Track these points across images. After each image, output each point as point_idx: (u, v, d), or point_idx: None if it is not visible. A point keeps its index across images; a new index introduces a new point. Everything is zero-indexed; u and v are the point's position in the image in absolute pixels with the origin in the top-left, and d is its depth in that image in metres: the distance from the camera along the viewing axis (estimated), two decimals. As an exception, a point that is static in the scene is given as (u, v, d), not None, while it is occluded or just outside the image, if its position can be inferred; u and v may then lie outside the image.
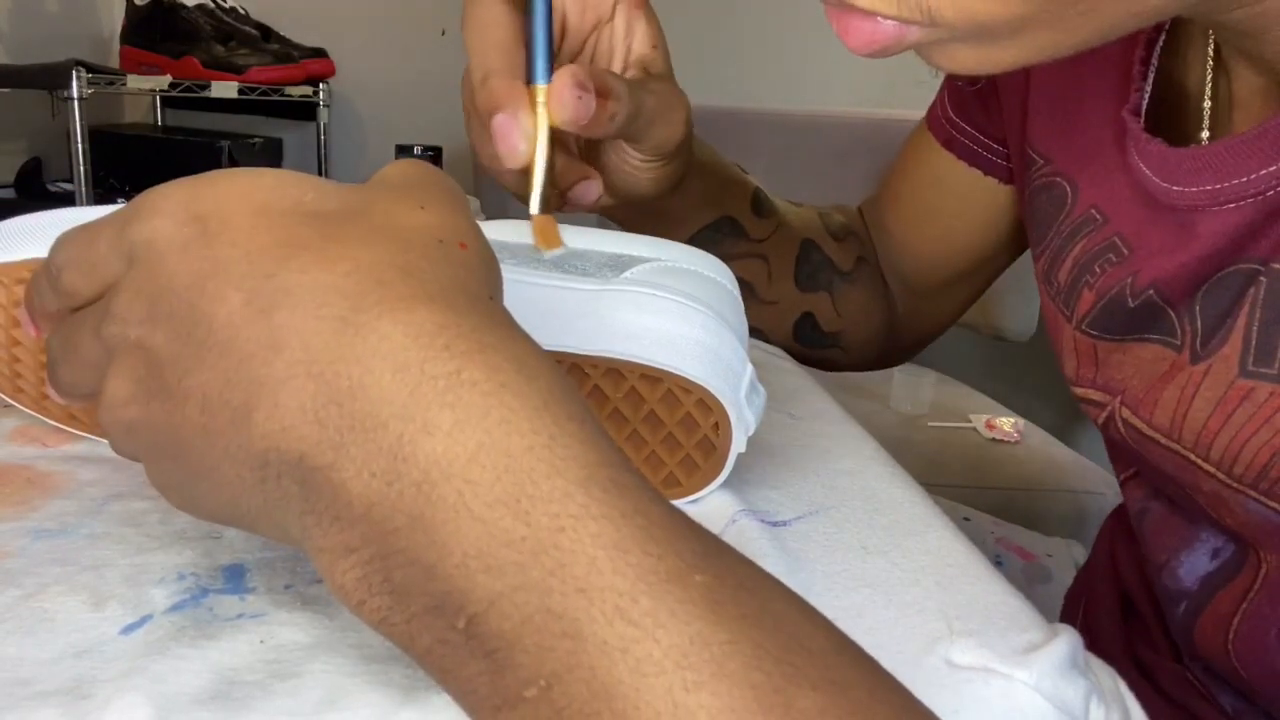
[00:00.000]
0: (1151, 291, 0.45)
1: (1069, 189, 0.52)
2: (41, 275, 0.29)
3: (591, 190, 0.47)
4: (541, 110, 0.41)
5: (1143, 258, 0.46)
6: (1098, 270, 0.48)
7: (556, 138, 0.44)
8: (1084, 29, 0.33)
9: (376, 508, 0.22)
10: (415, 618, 0.22)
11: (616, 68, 0.48)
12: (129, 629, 0.29)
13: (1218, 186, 0.41)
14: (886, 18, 0.32)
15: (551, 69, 0.42)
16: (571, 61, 0.45)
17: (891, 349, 0.73)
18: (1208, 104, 0.45)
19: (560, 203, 0.48)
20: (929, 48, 0.34)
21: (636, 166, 0.49)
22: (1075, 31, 0.33)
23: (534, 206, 0.41)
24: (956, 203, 0.64)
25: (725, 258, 0.59)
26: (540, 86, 0.42)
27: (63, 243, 0.28)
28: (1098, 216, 0.49)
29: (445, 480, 0.22)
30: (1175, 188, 0.43)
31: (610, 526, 0.22)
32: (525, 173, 0.42)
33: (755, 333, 0.65)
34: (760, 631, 0.21)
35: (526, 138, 0.41)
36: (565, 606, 0.21)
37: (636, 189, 0.51)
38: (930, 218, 0.66)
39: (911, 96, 2.05)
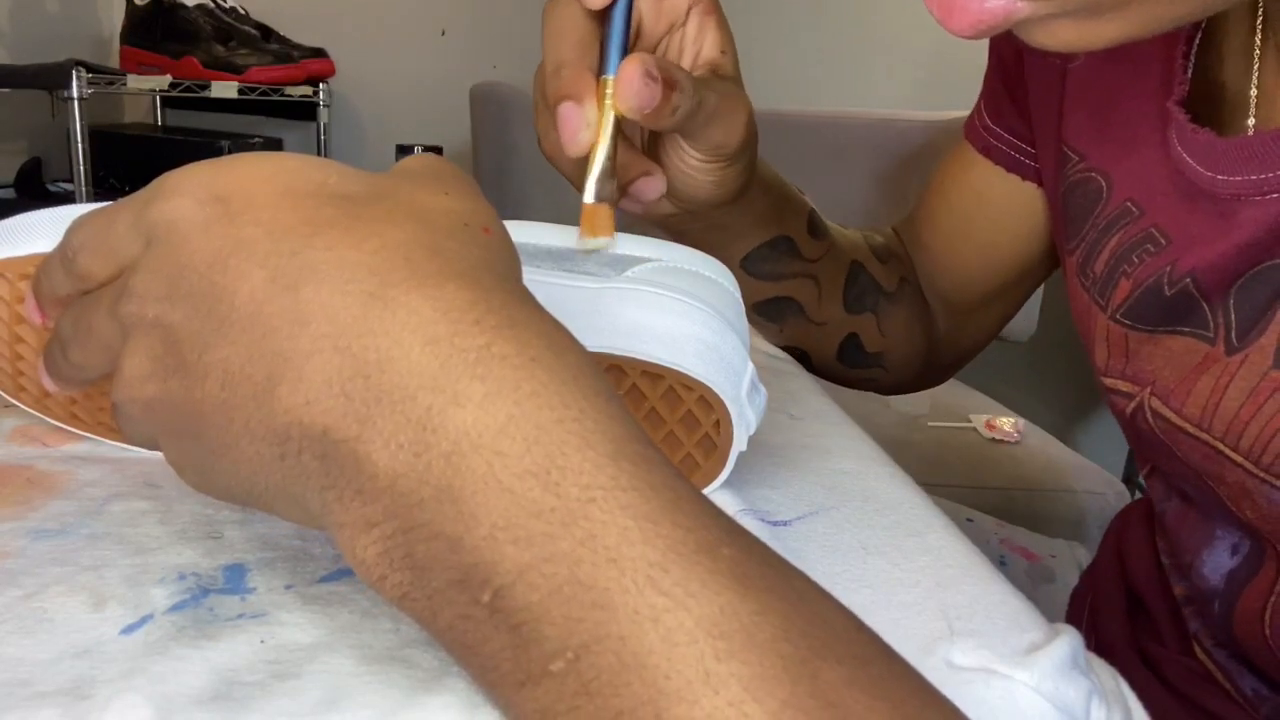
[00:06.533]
0: (1189, 280, 0.46)
1: (1104, 183, 0.52)
2: (53, 259, 0.29)
3: (653, 186, 0.47)
4: (609, 102, 0.42)
5: (1182, 246, 0.47)
6: (1135, 260, 0.49)
7: (621, 130, 0.44)
8: (1190, 1, 0.32)
9: (402, 479, 0.22)
10: (437, 593, 0.22)
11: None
12: (129, 629, 0.29)
13: (1263, 176, 0.42)
14: None
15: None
16: None
17: (931, 368, 0.73)
18: (1254, 92, 0.46)
19: (619, 196, 0.48)
20: (1032, 24, 0.33)
21: (695, 167, 0.49)
22: (1182, 3, 0.32)
23: (587, 194, 0.41)
24: (996, 212, 0.65)
25: (779, 277, 0.61)
26: (610, 79, 0.42)
27: (79, 225, 0.28)
28: (1134, 209, 0.50)
29: (475, 451, 0.22)
30: (1220, 176, 0.44)
31: (640, 498, 0.22)
32: (585, 161, 0.42)
33: (799, 353, 0.65)
34: (786, 604, 0.21)
35: (589, 126, 0.41)
36: (595, 577, 0.21)
37: (696, 192, 0.51)
38: (970, 230, 0.67)
39: (910, 97, 2.05)
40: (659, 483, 0.23)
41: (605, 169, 0.41)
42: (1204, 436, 0.45)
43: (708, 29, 0.48)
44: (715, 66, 0.49)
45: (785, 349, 0.65)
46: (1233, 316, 0.44)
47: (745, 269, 0.60)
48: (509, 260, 0.28)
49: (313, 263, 0.24)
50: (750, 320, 0.63)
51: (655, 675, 0.20)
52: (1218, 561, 0.49)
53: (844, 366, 0.67)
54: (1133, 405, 0.50)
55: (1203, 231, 0.45)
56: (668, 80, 0.42)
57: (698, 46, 0.49)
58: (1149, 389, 0.48)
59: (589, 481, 0.22)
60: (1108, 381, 0.52)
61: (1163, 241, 0.48)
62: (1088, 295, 0.53)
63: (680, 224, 0.55)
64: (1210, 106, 0.48)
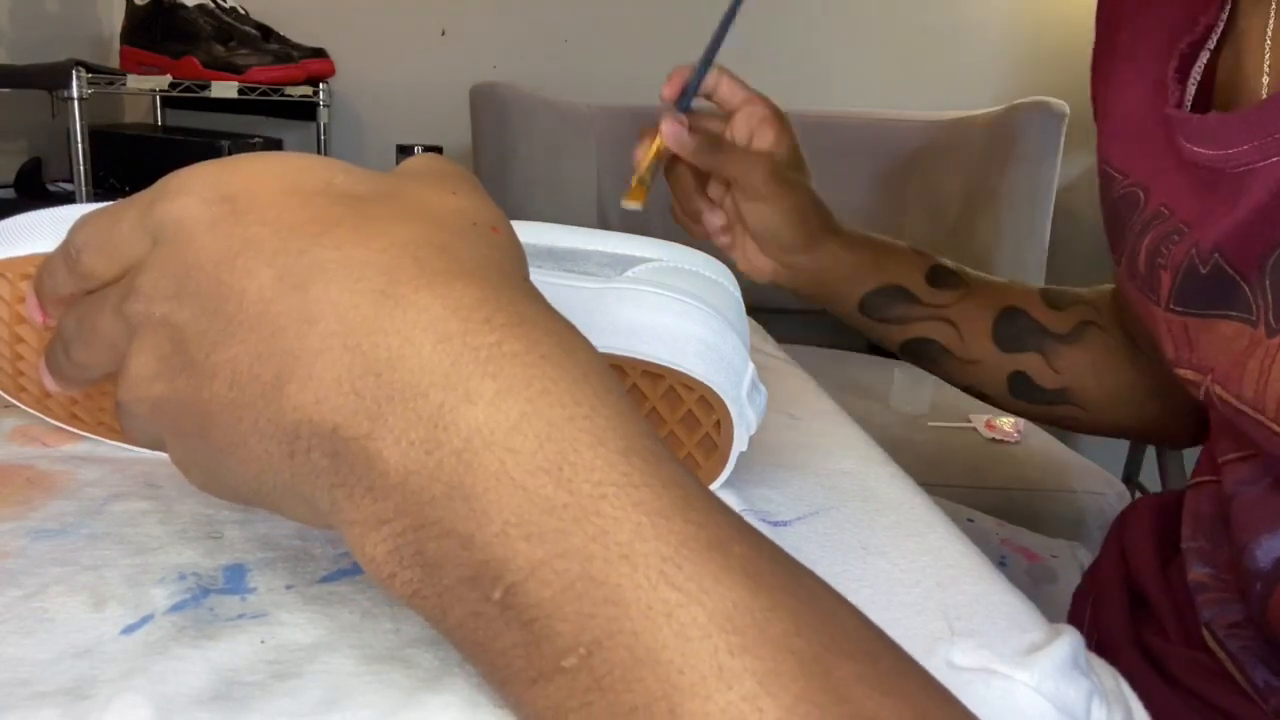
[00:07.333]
0: (1217, 255, 0.47)
1: (1142, 195, 0.56)
2: (56, 258, 0.29)
3: (714, 219, 0.69)
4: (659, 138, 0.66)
5: (1200, 228, 0.48)
6: (1165, 251, 0.51)
7: (680, 165, 0.69)
8: None
9: (414, 477, 0.22)
10: (448, 590, 0.22)
11: None
12: (129, 629, 0.29)
13: (1264, 140, 0.43)
14: None
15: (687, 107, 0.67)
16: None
17: (1178, 428, 0.71)
18: (1266, 79, 0.47)
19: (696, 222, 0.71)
20: None
21: (755, 252, 0.69)
22: None
23: (637, 177, 0.65)
24: None
25: (902, 320, 0.71)
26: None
27: (83, 224, 0.28)
28: (1165, 212, 0.52)
29: (487, 448, 0.22)
30: (1229, 151, 0.45)
31: (651, 494, 0.22)
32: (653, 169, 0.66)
33: (971, 390, 0.73)
34: (796, 601, 0.21)
35: (645, 145, 0.65)
36: (608, 573, 0.21)
37: (762, 223, 0.67)
38: None
39: (911, 97, 2.05)
40: (670, 479, 0.23)
41: (651, 167, 0.65)
42: (1260, 418, 0.46)
43: (766, 129, 0.67)
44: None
45: (966, 388, 0.73)
46: (1269, 297, 0.44)
47: (863, 312, 0.71)
48: (516, 259, 0.28)
49: (321, 261, 0.24)
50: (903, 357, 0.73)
51: (669, 670, 0.20)
52: (1274, 545, 0.49)
53: (1023, 403, 0.71)
54: (1202, 392, 0.51)
55: (1217, 208, 0.47)
56: (694, 128, 0.64)
57: (749, 131, 0.67)
58: (1210, 375, 0.49)
59: (601, 478, 0.22)
60: (1179, 373, 0.53)
61: (1185, 230, 0.50)
62: (1140, 293, 0.55)
63: (790, 280, 0.72)
64: (1226, 109, 0.50)
